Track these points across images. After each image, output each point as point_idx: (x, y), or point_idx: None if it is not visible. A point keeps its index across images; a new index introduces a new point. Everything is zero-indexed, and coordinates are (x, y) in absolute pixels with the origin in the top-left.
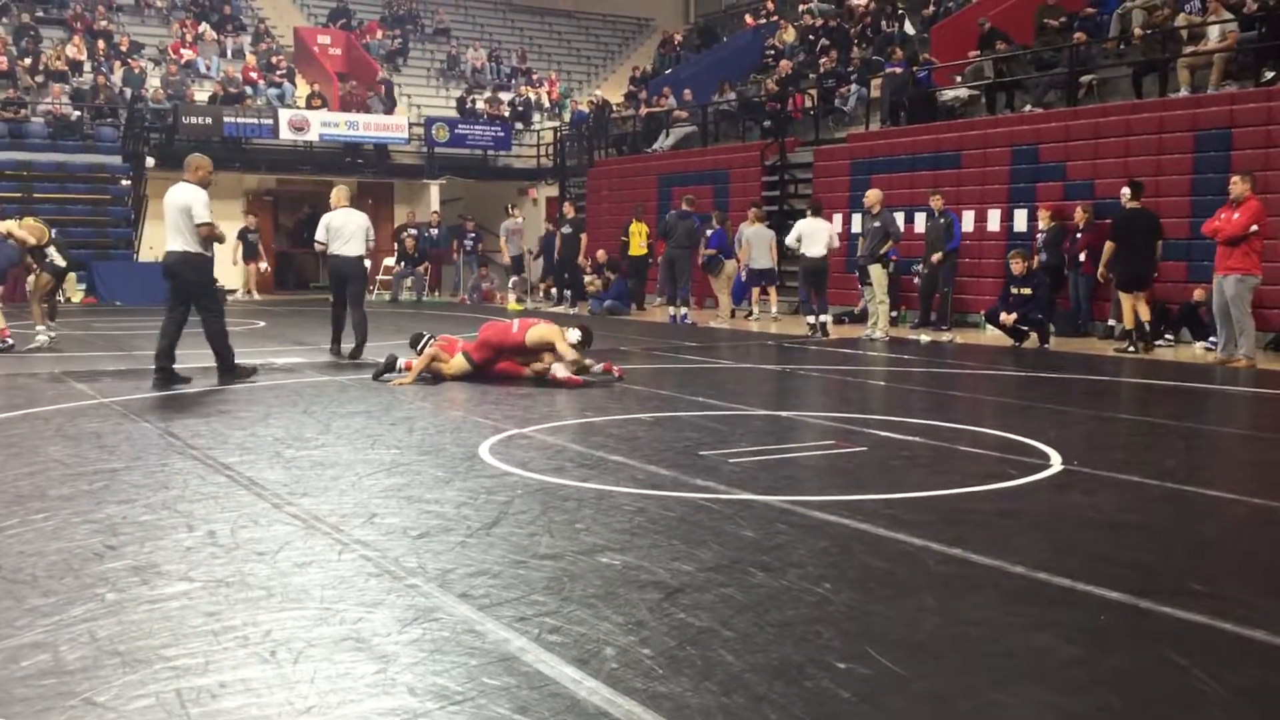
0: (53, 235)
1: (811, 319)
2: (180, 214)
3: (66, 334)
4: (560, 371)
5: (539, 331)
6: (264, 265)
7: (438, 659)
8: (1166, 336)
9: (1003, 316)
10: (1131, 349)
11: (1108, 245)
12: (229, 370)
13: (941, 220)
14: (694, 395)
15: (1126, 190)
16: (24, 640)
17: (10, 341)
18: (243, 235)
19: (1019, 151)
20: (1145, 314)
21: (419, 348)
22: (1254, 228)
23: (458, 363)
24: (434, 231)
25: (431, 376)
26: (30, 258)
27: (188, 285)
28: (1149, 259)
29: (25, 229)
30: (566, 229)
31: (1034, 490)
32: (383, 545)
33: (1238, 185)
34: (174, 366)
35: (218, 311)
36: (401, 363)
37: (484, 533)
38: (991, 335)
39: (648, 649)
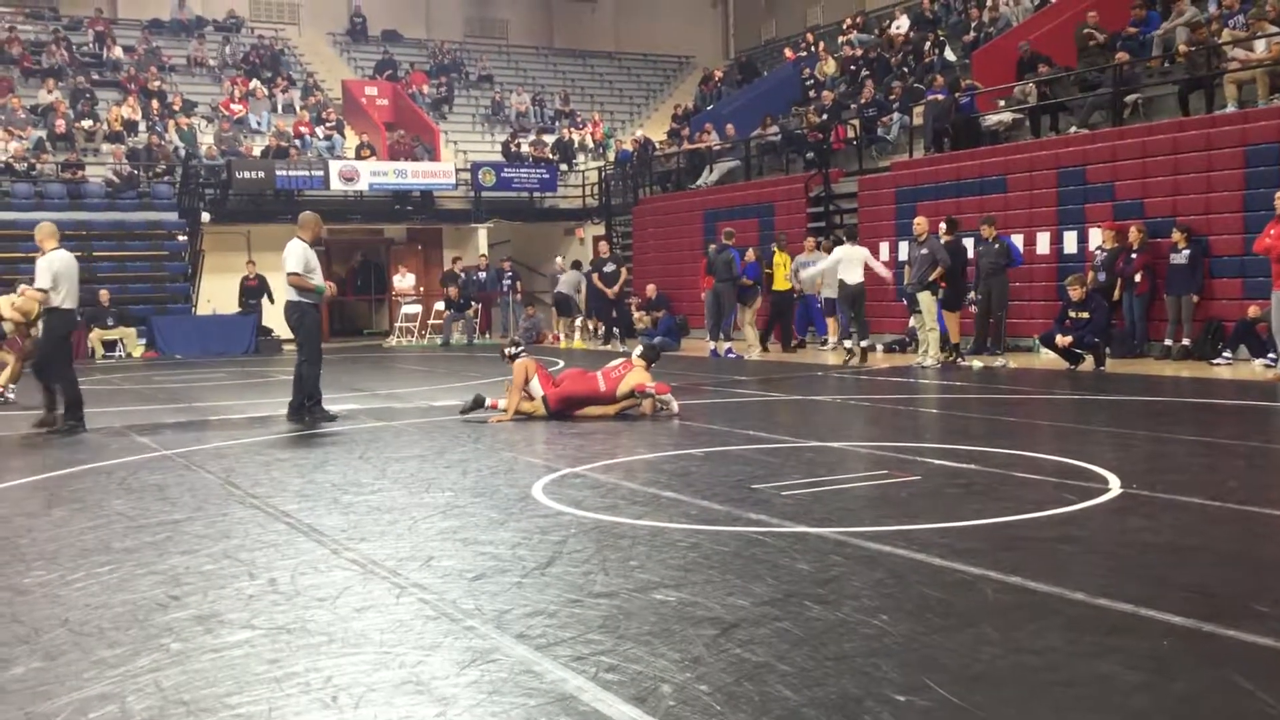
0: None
1: (849, 343)
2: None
3: (129, 389)
4: (641, 380)
5: (629, 382)
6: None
7: (496, 700)
8: (1225, 354)
9: (1058, 339)
10: (958, 359)
11: (939, 270)
12: (293, 410)
13: (996, 245)
14: (745, 429)
15: (943, 225)
16: (92, 692)
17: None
18: None
19: (1065, 174)
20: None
21: (470, 407)
22: None
23: (535, 405)
24: (482, 274)
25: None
26: (31, 327)
27: (291, 330)
28: (964, 283)
29: (19, 309)
30: (609, 267)
31: (1093, 515)
32: (440, 588)
33: None
34: (322, 405)
35: (308, 357)
36: (489, 401)
37: (539, 573)
38: (1045, 359)
39: (705, 685)
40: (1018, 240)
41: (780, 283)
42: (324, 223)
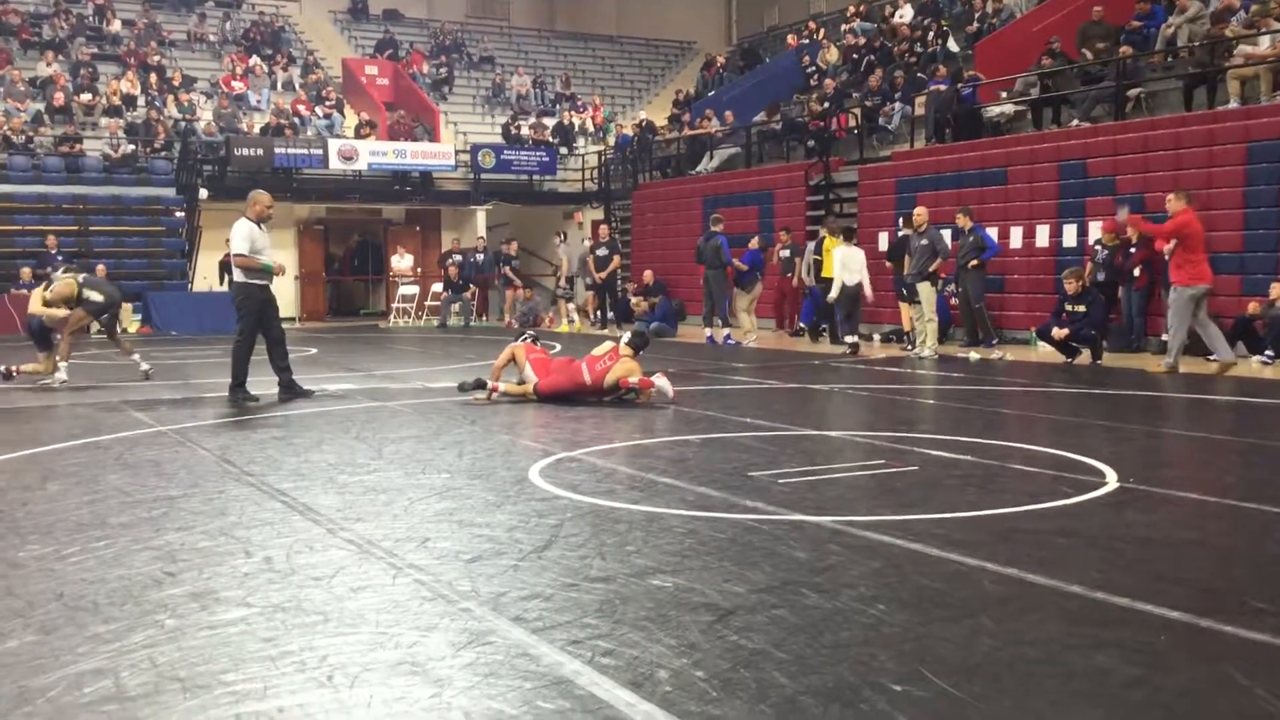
0: (81, 281)
1: (851, 339)
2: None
3: (123, 363)
4: (625, 374)
5: (615, 374)
6: (522, 291)
7: (492, 682)
8: None
9: (1055, 332)
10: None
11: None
12: (284, 387)
13: (971, 238)
14: (742, 416)
15: (901, 221)
16: (86, 667)
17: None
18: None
19: (1066, 166)
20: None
21: (470, 387)
22: (1171, 243)
23: (527, 389)
24: (479, 257)
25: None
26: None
27: (235, 308)
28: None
29: (56, 295)
30: (602, 251)
31: (1090, 508)
32: (436, 569)
33: (1170, 203)
34: (296, 383)
35: (243, 334)
36: (490, 384)
37: (536, 556)
38: (1042, 352)
39: (701, 671)
40: (1016, 232)
41: (829, 269)
42: (323, 201)
